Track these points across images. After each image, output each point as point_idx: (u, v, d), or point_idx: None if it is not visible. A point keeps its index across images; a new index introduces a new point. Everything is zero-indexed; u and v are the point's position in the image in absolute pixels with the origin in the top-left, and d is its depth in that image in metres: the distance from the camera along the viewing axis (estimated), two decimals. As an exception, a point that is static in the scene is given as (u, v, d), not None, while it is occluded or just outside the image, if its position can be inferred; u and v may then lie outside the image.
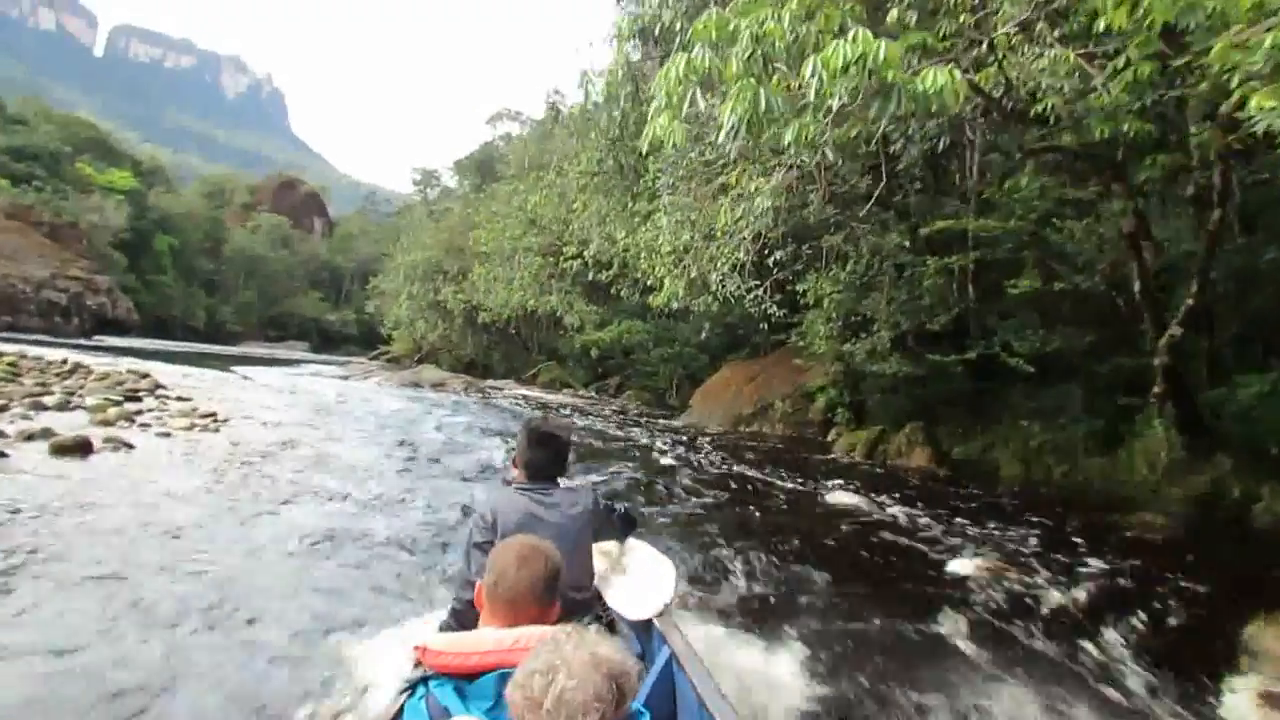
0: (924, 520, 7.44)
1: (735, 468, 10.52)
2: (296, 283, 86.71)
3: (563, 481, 2.84)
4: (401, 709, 1.66)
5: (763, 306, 11.08)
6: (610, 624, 2.61)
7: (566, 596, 1.97)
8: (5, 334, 25.79)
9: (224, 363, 26.75)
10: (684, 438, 14.33)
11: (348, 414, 13.10)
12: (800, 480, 9.57)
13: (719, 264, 10.86)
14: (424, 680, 1.61)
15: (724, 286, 11.09)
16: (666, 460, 11.06)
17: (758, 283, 10.99)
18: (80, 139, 63.99)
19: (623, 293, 18.86)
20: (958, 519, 7.51)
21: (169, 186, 77.18)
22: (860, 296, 11.91)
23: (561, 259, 22.00)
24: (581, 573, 2.64)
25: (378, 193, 77.31)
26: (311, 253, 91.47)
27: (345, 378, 23.45)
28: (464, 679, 1.57)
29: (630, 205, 16.85)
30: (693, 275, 12.53)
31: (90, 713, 2.83)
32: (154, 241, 64.48)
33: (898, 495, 8.75)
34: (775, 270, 11.56)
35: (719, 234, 11.02)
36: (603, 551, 3.31)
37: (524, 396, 22.40)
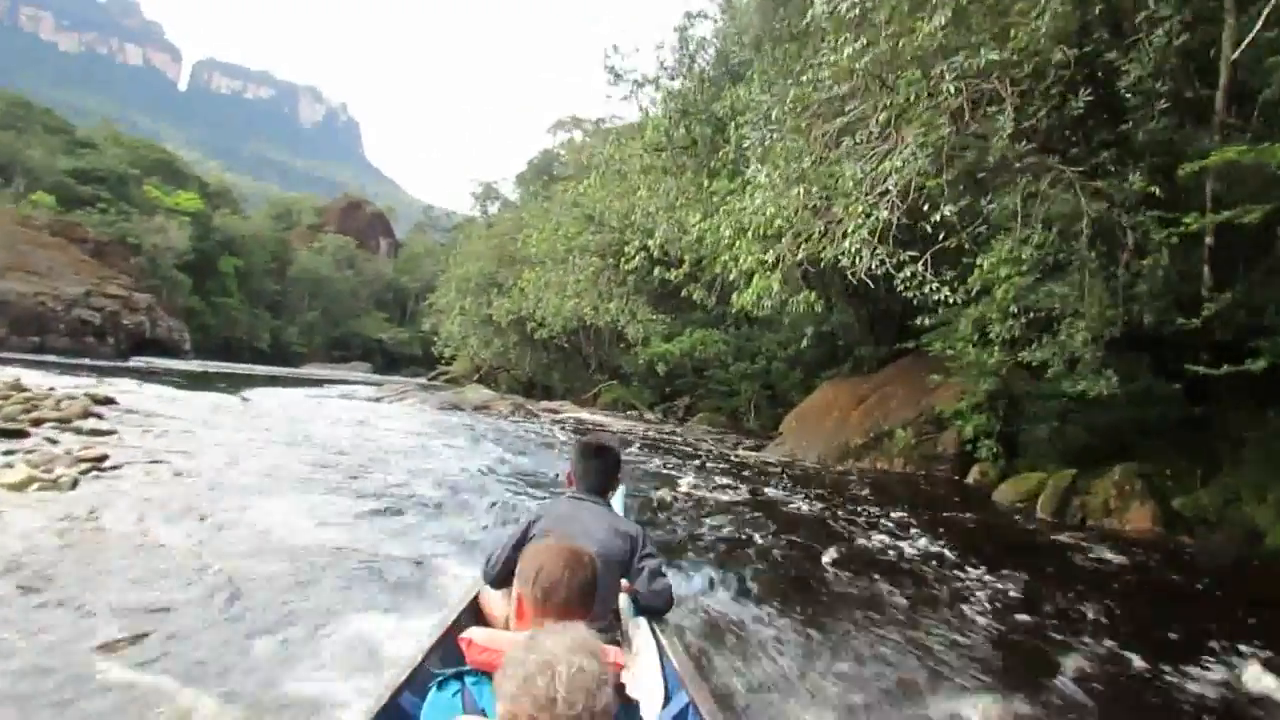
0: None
1: (875, 537, 6.99)
2: (361, 303, 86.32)
3: (615, 505, 3.05)
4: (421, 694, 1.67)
5: (921, 286, 7.47)
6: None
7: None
8: (29, 356, 24.00)
9: (259, 383, 24.50)
10: (785, 479, 10.87)
11: (323, 448, 10.09)
12: (981, 565, 6.01)
13: (852, 229, 7.44)
14: (460, 675, 1.61)
15: (858, 261, 7.63)
16: (780, 521, 7.63)
17: (912, 255, 7.42)
18: (148, 161, 64.51)
19: (696, 295, 15.55)
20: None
21: (234, 208, 77.58)
22: (1044, 280, 8.25)
23: (623, 259, 18.83)
24: (604, 605, 2.56)
25: (435, 208, 76.07)
26: (376, 273, 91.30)
27: (377, 400, 20.69)
28: None
29: (706, 185, 13.57)
30: (798, 257, 9.17)
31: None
32: (219, 263, 64.30)
33: (1178, 602, 5.16)
34: (926, 238, 7.97)
35: (850, 190, 7.65)
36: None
37: (577, 421, 19.24)
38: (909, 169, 6.95)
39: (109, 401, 11.07)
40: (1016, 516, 8.79)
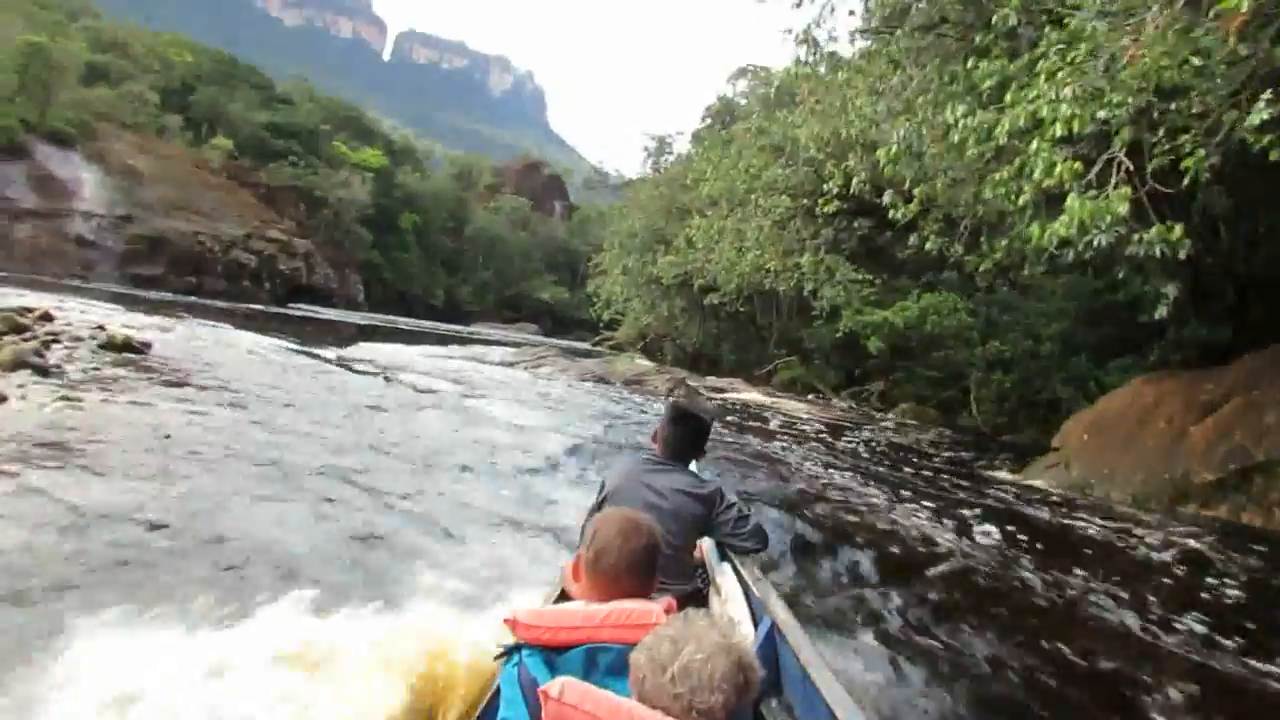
0: None
1: None
2: (533, 265, 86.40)
3: (694, 466, 2.96)
4: (498, 674, 1.67)
5: None
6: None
7: (663, 586, 1.91)
8: (183, 297, 23.23)
9: (389, 337, 22.46)
10: (1093, 544, 6.36)
11: (362, 443, 6.84)
12: None
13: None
14: (518, 648, 1.59)
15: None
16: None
17: None
18: (338, 118, 66.68)
19: (931, 243, 11.02)
20: None
21: (417, 166, 79.32)
22: None
23: (821, 201, 14.39)
24: (681, 563, 2.67)
25: (604, 166, 73.76)
26: (550, 235, 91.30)
27: (510, 365, 17.68)
28: (553, 651, 1.56)
29: (965, 70, 8.98)
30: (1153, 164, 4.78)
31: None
32: (399, 219, 65.48)
33: None
34: None
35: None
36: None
37: (745, 406, 15.21)
38: None
39: (129, 348, 8.39)
40: None
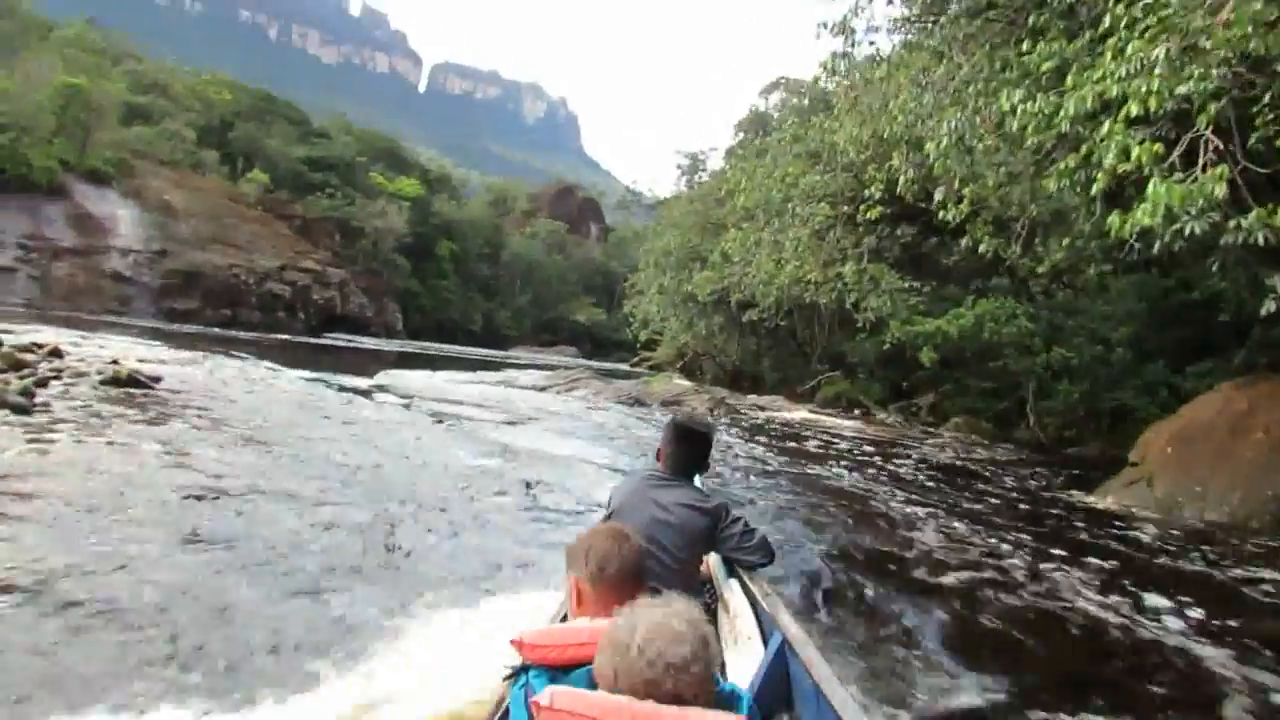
0: None
1: None
2: (570, 288, 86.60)
3: (699, 481, 2.97)
4: (507, 695, 1.66)
5: None
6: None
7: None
8: (216, 330, 23.19)
9: (438, 363, 22.03)
10: (1196, 579, 5.53)
11: (383, 457, 6.29)
12: None
13: None
14: (525, 669, 1.57)
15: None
16: None
17: None
18: (375, 149, 67.72)
19: (984, 244, 10.24)
20: None
21: (453, 194, 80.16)
22: None
23: (863, 208, 13.62)
24: (687, 577, 2.64)
25: (637, 185, 73.28)
26: (586, 258, 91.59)
27: (543, 388, 17.11)
28: (559, 670, 1.52)
29: (1016, 55, 8.25)
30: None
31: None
32: (436, 246, 65.94)
33: None
34: None
35: None
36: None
37: (786, 425, 14.44)
38: None
39: (133, 383, 7.99)
40: None
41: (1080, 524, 7.20)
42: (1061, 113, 6.71)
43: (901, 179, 9.99)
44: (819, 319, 23.07)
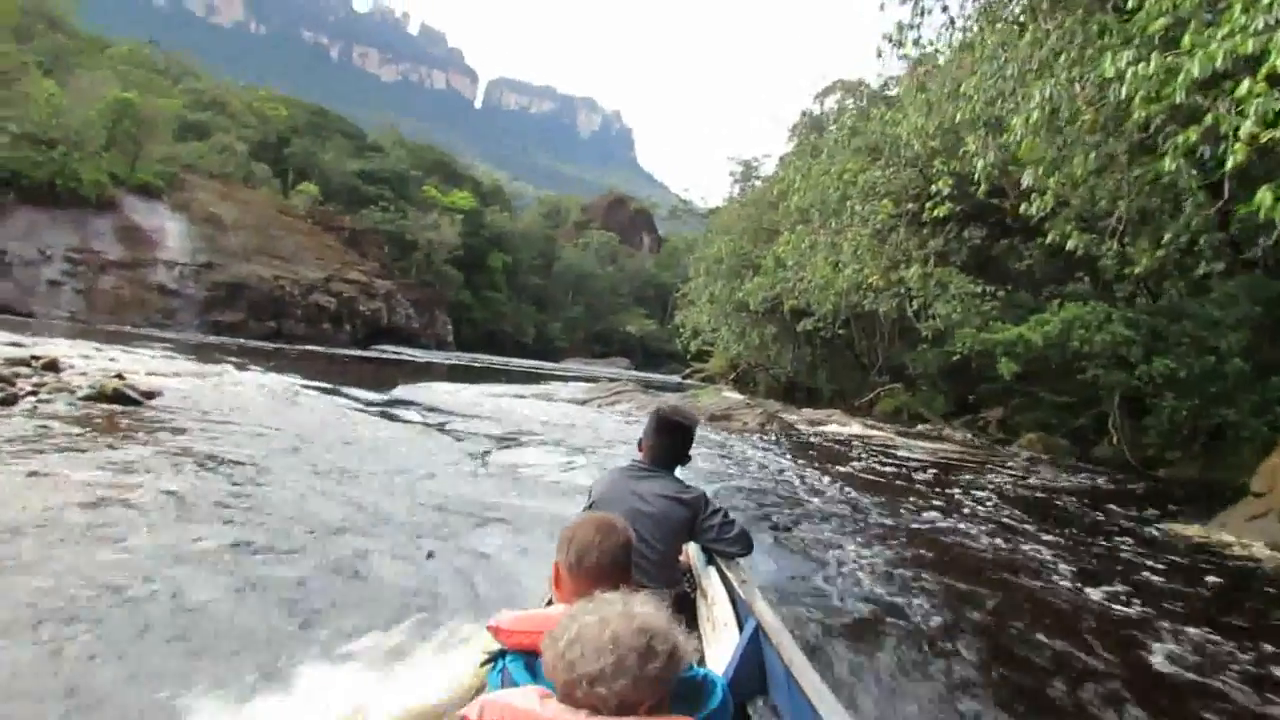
0: None
1: None
2: (622, 299, 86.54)
3: (680, 473, 2.93)
4: (486, 680, 1.64)
5: None
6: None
7: (646, 589, 1.63)
8: (261, 342, 23.01)
9: (485, 376, 21.37)
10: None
11: (378, 494, 5.44)
12: None
13: None
14: (502, 654, 1.57)
15: None
16: None
17: None
18: (428, 162, 68.59)
19: (1071, 239, 9.04)
20: None
21: (505, 206, 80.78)
22: None
23: (930, 206, 12.48)
24: (667, 567, 2.67)
25: (689, 193, 72.64)
26: (638, 269, 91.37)
27: (583, 402, 16.26)
28: (534, 655, 1.44)
29: (1115, 20, 7.13)
30: None
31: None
32: (489, 258, 66.29)
33: None
34: None
35: None
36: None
37: (844, 441, 13.31)
38: None
39: (123, 400, 7.39)
40: None
41: (1202, 569, 6.02)
42: (1182, 76, 5.61)
43: (980, 163, 8.85)
44: (878, 327, 21.83)
